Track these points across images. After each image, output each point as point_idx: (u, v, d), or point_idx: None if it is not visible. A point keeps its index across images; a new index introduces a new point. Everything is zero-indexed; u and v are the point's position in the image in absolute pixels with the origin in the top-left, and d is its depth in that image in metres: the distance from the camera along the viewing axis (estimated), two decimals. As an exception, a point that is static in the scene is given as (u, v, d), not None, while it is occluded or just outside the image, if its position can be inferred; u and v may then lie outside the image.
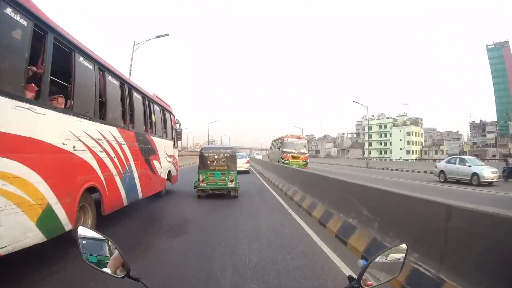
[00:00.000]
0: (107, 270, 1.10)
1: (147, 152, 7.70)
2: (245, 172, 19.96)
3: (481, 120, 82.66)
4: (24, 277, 3.32)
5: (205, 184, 9.37)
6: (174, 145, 10.77)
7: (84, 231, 1.18)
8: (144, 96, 7.86)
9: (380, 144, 77.92)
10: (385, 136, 77.21)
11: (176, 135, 11.40)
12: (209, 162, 9.51)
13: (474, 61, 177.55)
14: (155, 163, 8.38)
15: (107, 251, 1.13)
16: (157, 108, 9.04)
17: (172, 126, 10.63)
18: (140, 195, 7.21)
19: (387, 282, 1.17)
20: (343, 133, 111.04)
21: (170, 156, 10.04)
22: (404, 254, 1.18)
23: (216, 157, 9.62)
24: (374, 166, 35.91)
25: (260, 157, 49.56)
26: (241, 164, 18.48)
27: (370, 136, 69.41)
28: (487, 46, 77.33)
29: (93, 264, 1.13)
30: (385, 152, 74.03)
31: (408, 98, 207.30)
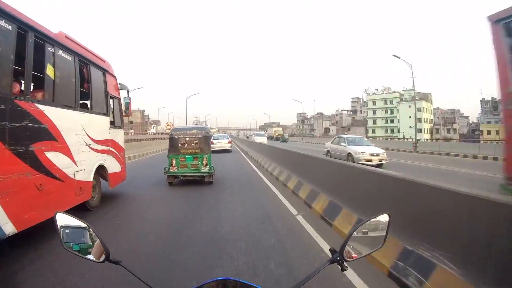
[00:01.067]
0: (90, 256, 1.12)
1: (20, 137, 4.03)
2: (227, 151, 24.10)
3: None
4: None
5: (176, 170, 8.83)
6: (112, 123, 7.11)
7: (63, 218, 1.16)
8: (14, 20, 4.06)
9: (386, 121, 74.61)
10: (392, 112, 73.68)
11: (120, 108, 7.69)
12: (179, 145, 8.90)
13: (475, 36, 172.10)
14: (55, 156, 4.71)
15: (89, 238, 1.14)
16: (64, 56, 5.26)
17: (106, 93, 6.88)
18: (10, 227, 3.67)
19: (370, 254, 1.19)
20: (342, 110, 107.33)
21: (101, 142, 6.37)
22: (386, 225, 1.18)
23: (187, 139, 8.94)
24: (427, 150, 25.03)
25: (264, 139, 34.01)
26: (223, 144, 24.32)
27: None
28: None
29: (75, 252, 1.14)
30: (392, 131, 70.68)
31: (408, 73, 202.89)
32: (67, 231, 1.14)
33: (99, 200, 6.48)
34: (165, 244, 4.42)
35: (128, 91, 8.20)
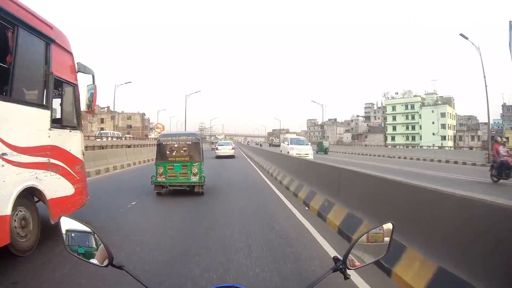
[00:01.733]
0: (93, 261, 1.13)
1: None
2: (231, 156, 26.93)
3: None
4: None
5: (164, 179, 8.65)
6: (58, 120, 4.96)
7: (67, 222, 1.17)
8: None
9: (407, 128, 71.65)
10: (413, 118, 70.80)
11: (75, 100, 5.50)
12: (167, 152, 8.74)
13: (491, 39, 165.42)
14: None
15: (93, 243, 1.15)
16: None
17: (48, 73, 4.63)
18: None
19: (373, 263, 1.18)
20: (358, 116, 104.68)
21: (31, 151, 4.14)
22: (390, 234, 1.18)
23: (176, 145, 8.80)
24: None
25: (307, 149, 22.57)
26: (227, 150, 27.50)
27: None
28: (510, 22, 70.93)
29: (80, 256, 1.15)
30: (414, 138, 67.78)
31: (424, 78, 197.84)
32: (72, 235, 1.16)
33: (35, 239, 4.32)
34: None
35: (93, 76, 5.98)
